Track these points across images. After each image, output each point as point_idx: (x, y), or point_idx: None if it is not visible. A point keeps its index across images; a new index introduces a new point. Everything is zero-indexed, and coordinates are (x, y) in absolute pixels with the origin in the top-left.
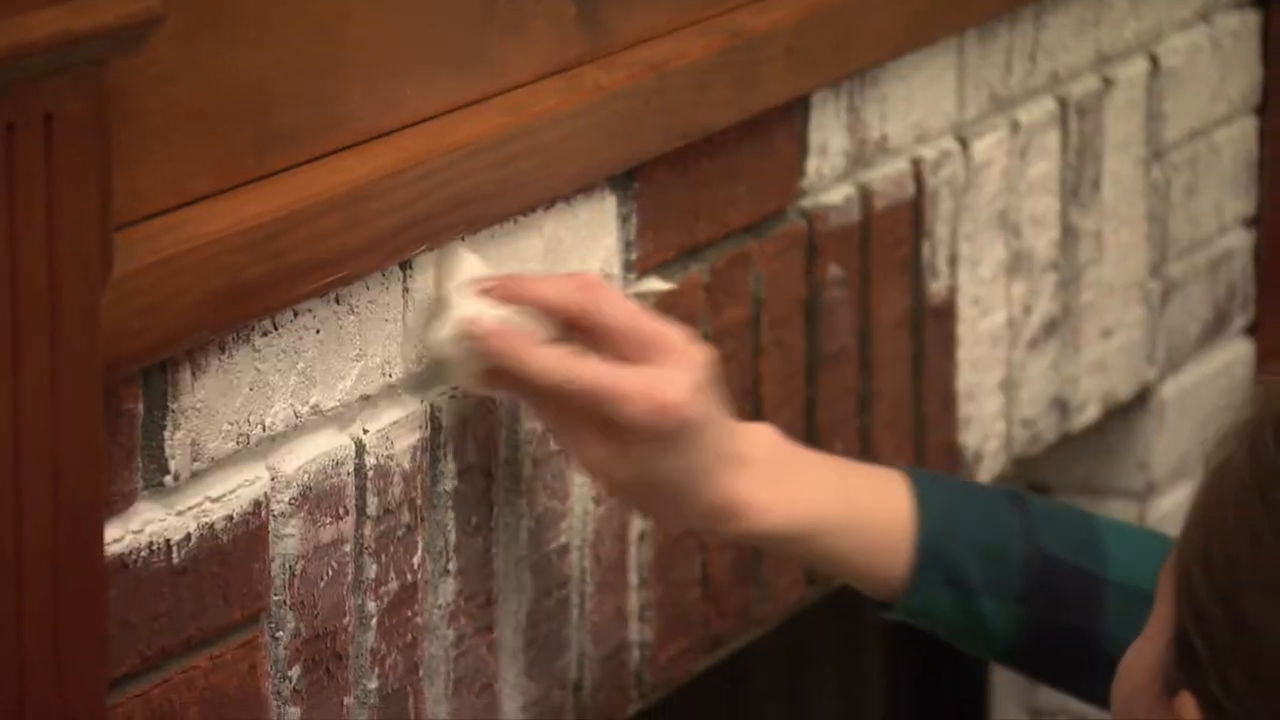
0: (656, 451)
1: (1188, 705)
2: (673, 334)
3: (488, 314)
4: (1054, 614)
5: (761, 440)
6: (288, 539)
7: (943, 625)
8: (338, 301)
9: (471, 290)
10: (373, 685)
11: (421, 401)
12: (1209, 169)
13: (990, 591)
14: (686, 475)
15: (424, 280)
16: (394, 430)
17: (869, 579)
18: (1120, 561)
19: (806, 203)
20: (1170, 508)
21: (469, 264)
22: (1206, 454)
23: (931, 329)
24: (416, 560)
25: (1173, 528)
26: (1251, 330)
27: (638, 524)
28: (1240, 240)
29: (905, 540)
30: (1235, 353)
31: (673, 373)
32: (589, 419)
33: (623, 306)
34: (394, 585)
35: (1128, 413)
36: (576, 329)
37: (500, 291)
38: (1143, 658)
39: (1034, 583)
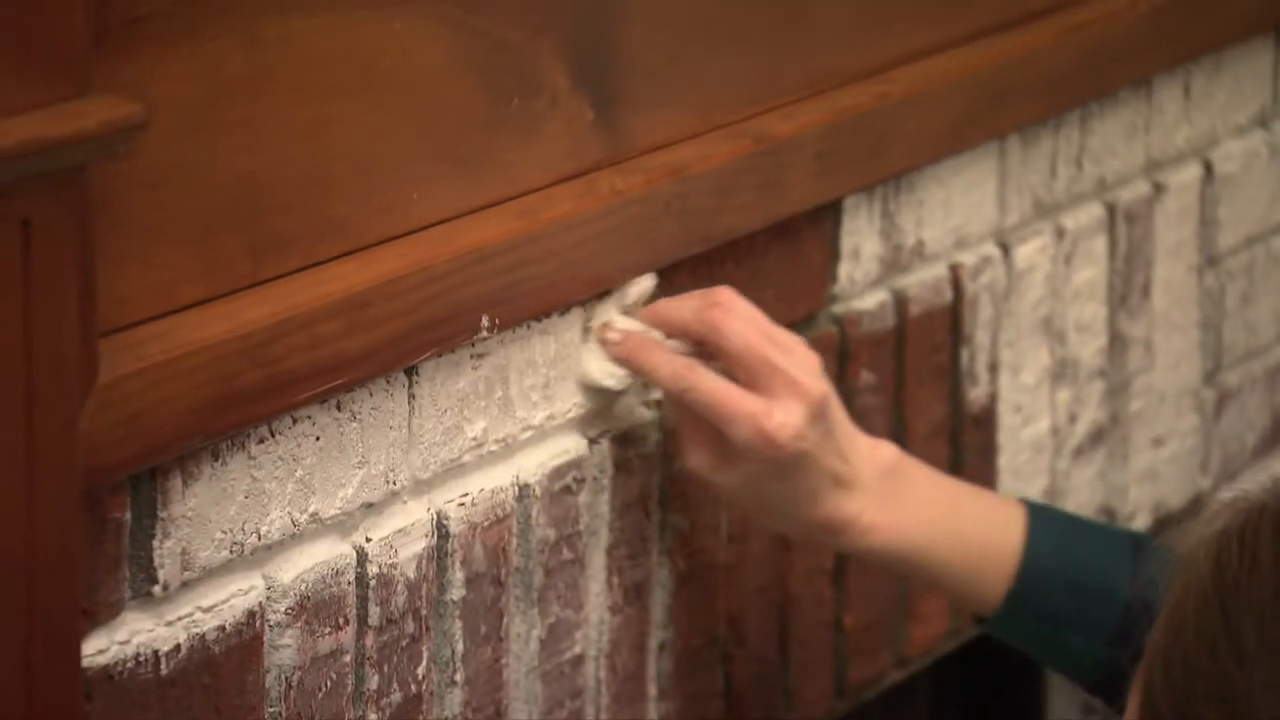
0: (761, 472)
1: None
2: (791, 366)
3: (621, 322)
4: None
5: (874, 461)
6: (284, 649)
7: (1028, 651)
8: (339, 408)
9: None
10: None
11: (428, 509)
12: (1267, 276)
13: (1081, 631)
14: (791, 496)
15: (430, 386)
16: (398, 538)
17: (965, 600)
18: None
19: (838, 308)
20: None
21: (637, 287)
22: (1175, 564)
23: (970, 436)
24: (421, 671)
25: None
26: None
27: (657, 634)
28: None
29: (1006, 572)
30: None
31: (786, 404)
32: (705, 426)
33: (743, 332)
34: (397, 696)
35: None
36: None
37: (642, 316)
38: None
39: (1130, 629)
